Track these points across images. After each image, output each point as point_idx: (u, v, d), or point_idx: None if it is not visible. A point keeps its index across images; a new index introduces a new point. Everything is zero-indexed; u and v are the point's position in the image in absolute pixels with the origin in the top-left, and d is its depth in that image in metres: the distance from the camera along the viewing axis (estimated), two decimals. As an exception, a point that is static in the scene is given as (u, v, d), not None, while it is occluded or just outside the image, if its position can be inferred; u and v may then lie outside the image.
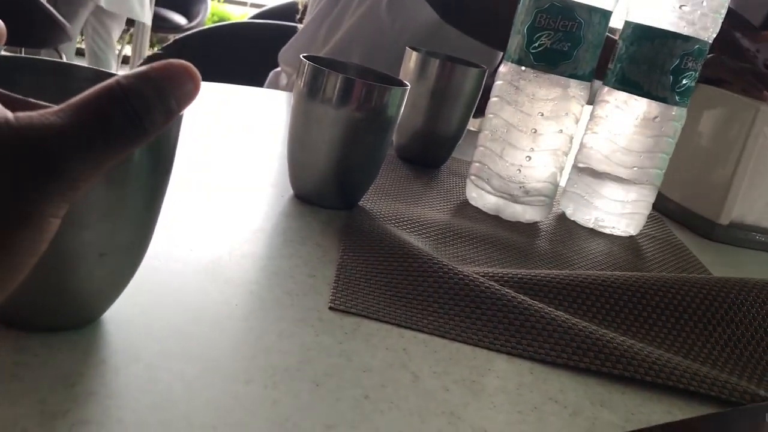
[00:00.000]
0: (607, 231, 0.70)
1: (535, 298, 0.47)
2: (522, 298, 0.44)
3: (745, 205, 0.75)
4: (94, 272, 0.30)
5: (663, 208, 0.81)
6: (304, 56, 0.55)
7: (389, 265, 0.47)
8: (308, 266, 0.45)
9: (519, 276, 0.48)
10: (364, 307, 0.41)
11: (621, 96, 0.68)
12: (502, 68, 0.65)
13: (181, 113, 0.31)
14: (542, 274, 0.49)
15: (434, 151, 0.79)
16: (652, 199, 0.70)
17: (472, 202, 0.68)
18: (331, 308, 0.40)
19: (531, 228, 0.65)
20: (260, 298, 0.39)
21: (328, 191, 0.57)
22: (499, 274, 0.48)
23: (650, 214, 0.72)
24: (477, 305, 0.43)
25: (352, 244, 0.49)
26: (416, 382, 0.35)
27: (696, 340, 0.46)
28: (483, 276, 0.47)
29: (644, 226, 0.72)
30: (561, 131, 0.63)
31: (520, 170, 0.64)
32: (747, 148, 0.73)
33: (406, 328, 0.41)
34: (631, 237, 0.71)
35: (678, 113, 0.67)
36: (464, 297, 0.44)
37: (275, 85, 1.22)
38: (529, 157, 0.64)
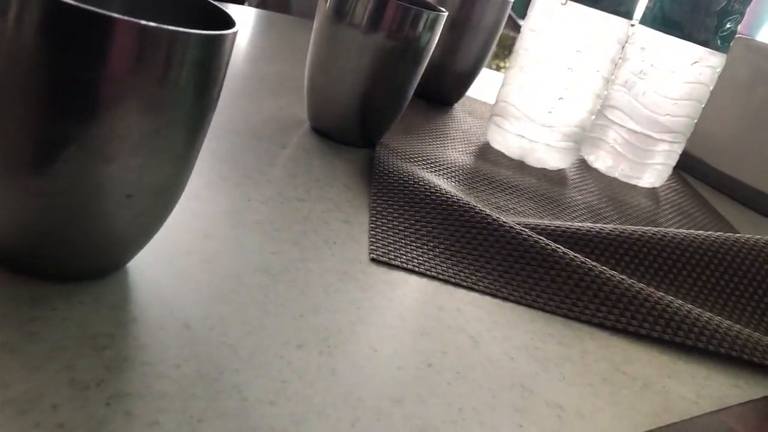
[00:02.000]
0: (633, 182, 0.66)
1: (582, 253, 0.43)
2: (573, 255, 0.40)
3: None
4: (119, 215, 0.25)
5: (711, 179, 0.75)
6: (331, -28, 0.49)
7: (427, 214, 0.42)
8: (341, 210, 0.41)
9: (562, 229, 0.45)
10: (407, 259, 0.37)
11: (658, 37, 0.63)
12: (538, -1, 0.60)
13: (236, 29, 0.26)
14: (586, 228, 0.45)
15: (450, 86, 0.74)
16: (680, 150, 0.66)
17: (495, 145, 0.63)
18: (373, 259, 0.36)
19: (557, 175, 0.61)
20: (298, 247, 0.35)
21: (350, 127, 0.52)
22: (541, 226, 0.44)
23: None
24: (527, 261, 0.39)
25: (382, 187, 0.45)
26: (477, 348, 0.31)
27: (750, 305, 0.44)
28: (526, 227, 0.43)
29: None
30: (598, 71, 0.59)
31: (551, 112, 0.59)
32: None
33: (455, 285, 0.37)
34: (654, 189, 0.67)
35: (718, 59, 0.63)
36: (512, 251, 0.40)
37: None
38: (562, 98, 0.59)
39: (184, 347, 0.25)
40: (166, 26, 0.22)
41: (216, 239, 0.33)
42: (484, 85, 0.88)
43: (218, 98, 0.26)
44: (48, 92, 0.22)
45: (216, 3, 0.28)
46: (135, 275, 0.28)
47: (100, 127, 0.23)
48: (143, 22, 0.22)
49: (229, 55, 0.26)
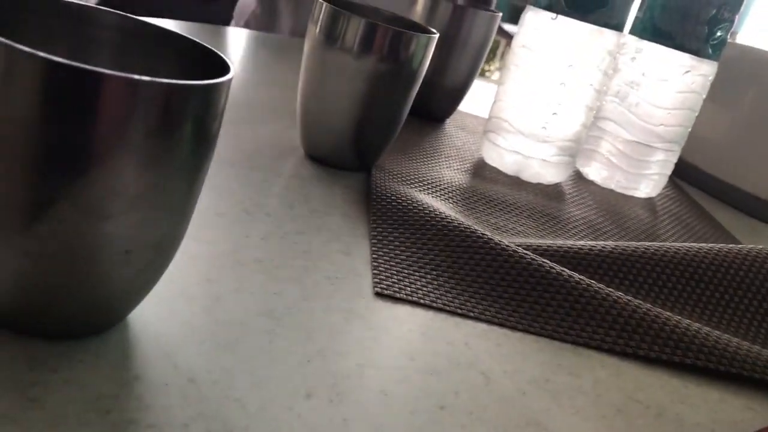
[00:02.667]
0: (629, 193, 0.66)
1: (585, 273, 0.43)
2: (579, 277, 0.40)
3: None
4: (118, 271, 0.25)
5: (709, 187, 0.75)
6: (321, -3, 0.49)
7: (429, 240, 0.42)
8: (341, 241, 0.40)
9: (564, 249, 0.44)
10: (412, 290, 0.37)
11: (649, 47, 0.63)
12: (528, 14, 0.60)
13: (231, 74, 0.25)
14: (588, 247, 0.44)
15: (441, 103, 0.73)
16: (675, 159, 0.66)
17: (490, 162, 0.63)
18: (377, 293, 0.36)
19: (553, 190, 0.61)
20: (300, 286, 0.34)
21: (345, 151, 0.51)
22: (543, 247, 0.44)
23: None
24: (532, 286, 0.39)
25: (381, 214, 0.44)
26: (489, 385, 0.31)
27: (756, 319, 0.43)
28: (528, 249, 0.43)
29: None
30: (590, 84, 0.58)
31: (545, 127, 0.59)
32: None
33: (462, 316, 0.36)
34: (650, 199, 0.67)
35: (710, 67, 0.62)
36: (516, 277, 0.39)
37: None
38: (555, 113, 0.59)
39: (190, 405, 0.24)
40: (159, 79, 0.22)
41: (217, 283, 0.32)
42: (475, 98, 0.87)
43: (215, 145, 0.26)
44: (39, 151, 0.21)
45: (211, 48, 0.27)
46: (136, 327, 0.27)
47: (94, 185, 0.22)
48: (135, 76, 0.21)
49: (225, 102, 0.25)
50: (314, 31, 0.49)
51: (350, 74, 0.48)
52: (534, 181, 0.61)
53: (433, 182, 0.53)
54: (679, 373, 0.36)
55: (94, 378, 0.24)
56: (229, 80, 0.25)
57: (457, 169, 0.59)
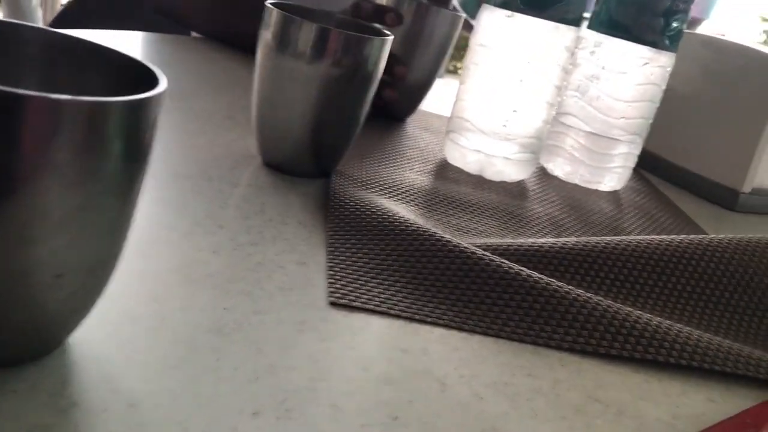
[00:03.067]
0: (593, 186, 0.66)
1: (545, 272, 0.42)
2: (537, 276, 0.40)
3: (766, 170, 0.70)
4: (50, 296, 0.24)
5: (673, 177, 0.76)
6: (271, 2, 0.48)
7: (386, 246, 0.41)
8: (296, 252, 0.39)
9: (525, 248, 0.44)
10: (368, 298, 0.36)
11: (608, 41, 0.63)
12: (484, 13, 0.59)
13: (162, 88, 0.24)
14: (548, 245, 0.44)
15: (403, 101, 0.73)
16: (637, 151, 0.66)
17: (452, 162, 0.62)
18: (332, 303, 0.35)
19: (516, 188, 0.61)
20: (252, 298, 0.33)
21: (303, 158, 0.50)
22: (503, 247, 0.44)
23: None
24: (491, 288, 0.38)
25: (338, 221, 0.44)
26: (445, 391, 0.30)
27: (719, 309, 0.43)
28: (488, 249, 0.43)
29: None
30: (549, 80, 0.58)
31: (506, 125, 0.59)
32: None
33: (419, 322, 0.35)
34: (615, 192, 0.67)
35: (668, 58, 0.63)
36: (475, 279, 0.39)
37: None
38: (516, 110, 0.58)
39: (130, 431, 0.24)
40: (81, 98, 0.21)
41: (164, 301, 0.31)
42: (443, 98, 0.87)
43: (148, 161, 0.25)
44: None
45: (143, 61, 0.27)
46: (76, 352, 0.27)
47: (19, 208, 0.21)
48: (55, 96, 0.20)
49: (156, 116, 0.24)
50: (266, 37, 0.48)
51: (304, 80, 0.47)
52: (497, 179, 0.61)
53: (394, 185, 0.52)
54: (641, 369, 0.36)
55: (28, 408, 0.23)
56: (159, 94, 0.24)
57: (420, 170, 0.59)
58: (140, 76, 0.27)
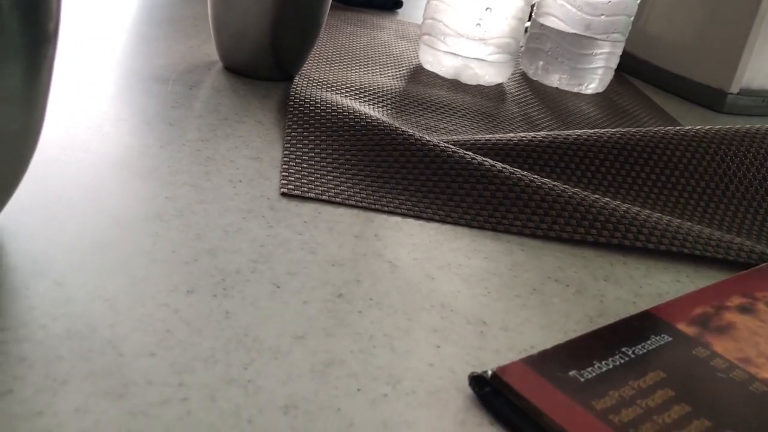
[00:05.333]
0: (575, 89, 0.64)
1: (514, 164, 0.41)
2: (501, 166, 0.38)
3: (754, 70, 0.68)
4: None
5: (658, 80, 0.73)
6: None
7: (346, 141, 0.40)
8: (250, 147, 0.38)
9: (492, 142, 0.42)
10: (322, 190, 0.35)
11: (587, -67, 0.60)
12: None
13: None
14: (517, 138, 0.43)
15: None
16: (619, 51, 0.64)
17: (428, 67, 0.60)
18: (283, 194, 0.34)
19: (494, 91, 0.59)
20: (197, 189, 0.32)
21: (263, 60, 0.48)
22: (471, 141, 0.42)
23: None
24: (452, 178, 0.37)
25: (298, 118, 0.42)
26: (395, 272, 0.29)
27: (693, 198, 0.42)
28: (453, 144, 0.41)
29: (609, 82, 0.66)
30: (524, -24, 0.56)
31: (479, 24, 0.56)
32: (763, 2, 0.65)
33: (374, 211, 0.34)
34: (598, 94, 0.65)
35: (650, -50, 0.59)
36: (436, 170, 0.38)
37: None
38: (489, 8, 0.56)
39: (53, 307, 0.23)
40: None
41: (101, 189, 0.30)
42: (418, 8, 0.84)
43: (57, 32, 0.23)
44: None
45: None
46: (2, 235, 0.26)
47: None
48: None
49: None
50: (217, -69, 0.46)
51: (259, -25, 0.45)
52: (473, 83, 0.59)
53: (362, 88, 0.51)
54: (606, 253, 0.35)
55: (-55, 286, 0.23)
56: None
57: (392, 75, 0.57)
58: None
